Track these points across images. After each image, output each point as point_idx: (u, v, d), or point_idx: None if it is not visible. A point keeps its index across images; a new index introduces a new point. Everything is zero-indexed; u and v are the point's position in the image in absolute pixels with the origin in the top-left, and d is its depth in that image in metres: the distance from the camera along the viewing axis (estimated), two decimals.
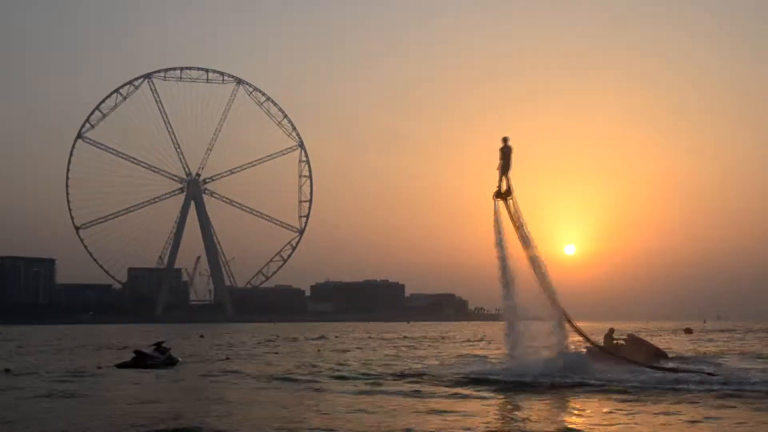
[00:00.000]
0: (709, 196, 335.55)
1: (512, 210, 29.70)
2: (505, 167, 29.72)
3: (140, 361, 34.08)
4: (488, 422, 16.70)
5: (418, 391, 22.55)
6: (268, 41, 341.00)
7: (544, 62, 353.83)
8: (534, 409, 19.10)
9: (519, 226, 29.33)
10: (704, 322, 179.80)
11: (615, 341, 35.38)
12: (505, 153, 29.67)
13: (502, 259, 29.53)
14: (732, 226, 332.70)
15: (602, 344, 35.31)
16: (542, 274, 28.93)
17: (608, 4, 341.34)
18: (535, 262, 29.10)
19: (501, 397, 21.71)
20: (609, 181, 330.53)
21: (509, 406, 19.76)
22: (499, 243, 29.77)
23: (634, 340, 35.83)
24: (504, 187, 29.80)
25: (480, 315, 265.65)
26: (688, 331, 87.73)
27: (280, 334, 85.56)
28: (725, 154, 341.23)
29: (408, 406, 19.26)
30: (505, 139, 29.64)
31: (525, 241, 29.33)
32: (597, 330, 39.01)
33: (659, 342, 48.47)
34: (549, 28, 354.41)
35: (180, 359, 36.86)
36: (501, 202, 29.77)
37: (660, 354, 35.46)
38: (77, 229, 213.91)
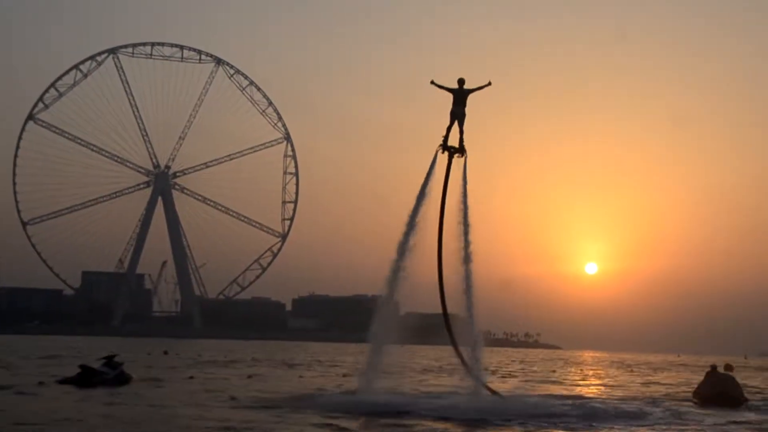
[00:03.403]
0: (752, 211, 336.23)
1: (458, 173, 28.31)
2: (458, 114, 28.17)
3: (87, 377, 34.19)
4: None
5: None
6: (253, 18, 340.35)
7: (565, 61, 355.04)
8: None
9: (462, 200, 28.01)
10: (745, 357, 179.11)
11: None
12: (460, 97, 28.10)
13: (411, 229, 28.20)
14: None
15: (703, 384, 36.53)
16: (468, 277, 28.10)
17: None
18: (466, 257, 28.16)
19: None
20: (638, 195, 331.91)
21: None
22: (418, 204, 28.30)
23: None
24: (453, 141, 28.39)
25: (486, 339, 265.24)
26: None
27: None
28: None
29: None
30: (460, 81, 28.16)
31: (464, 219, 28.08)
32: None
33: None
34: (569, 21, 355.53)
35: (134, 376, 37.21)
36: (445, 160, 28.38)
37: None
38: (24, 224, 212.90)
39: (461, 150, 28.22)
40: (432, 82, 28.07)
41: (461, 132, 28.24)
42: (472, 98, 28.20)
